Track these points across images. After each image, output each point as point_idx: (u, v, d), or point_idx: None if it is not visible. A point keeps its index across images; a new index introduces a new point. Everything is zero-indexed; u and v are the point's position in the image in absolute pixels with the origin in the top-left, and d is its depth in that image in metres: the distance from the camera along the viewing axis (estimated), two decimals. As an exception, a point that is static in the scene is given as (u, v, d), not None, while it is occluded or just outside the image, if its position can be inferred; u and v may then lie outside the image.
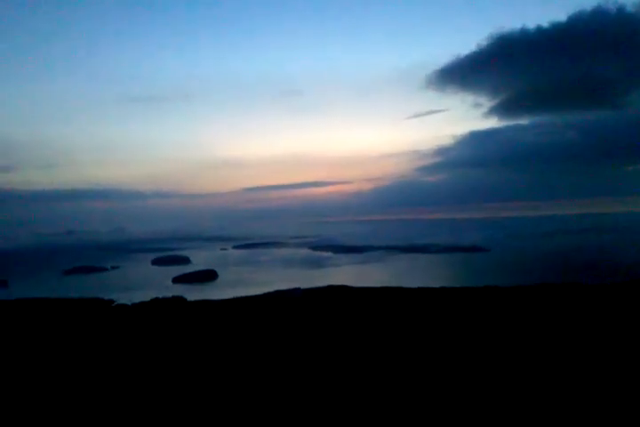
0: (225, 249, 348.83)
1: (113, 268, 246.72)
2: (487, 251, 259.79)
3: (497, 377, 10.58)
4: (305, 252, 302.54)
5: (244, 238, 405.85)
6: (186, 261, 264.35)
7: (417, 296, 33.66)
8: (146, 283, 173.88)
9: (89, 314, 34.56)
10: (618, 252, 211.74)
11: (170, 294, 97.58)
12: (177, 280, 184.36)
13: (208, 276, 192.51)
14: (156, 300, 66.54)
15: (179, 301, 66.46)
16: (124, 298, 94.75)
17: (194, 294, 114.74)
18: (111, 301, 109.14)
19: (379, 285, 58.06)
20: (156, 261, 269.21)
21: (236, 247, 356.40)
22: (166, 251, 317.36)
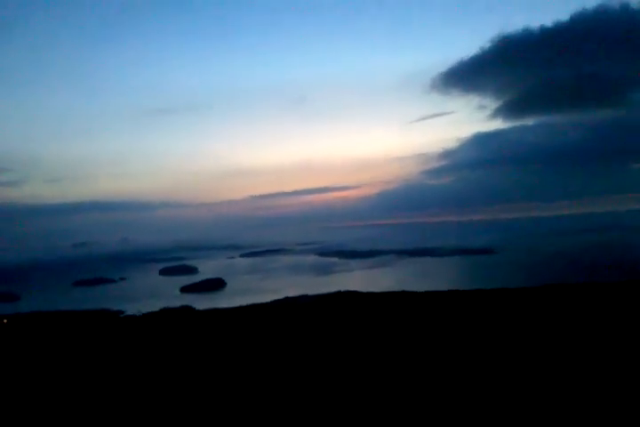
0: (232, 258, 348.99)
1: (121, 279, 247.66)
2: (496, 253, 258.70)
3: (506, 379, 10.42)
4: (312, 258, 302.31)
5: (251, 246, 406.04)
6: (194, 270, 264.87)
7: (426, 300, 33.41)
8: (154, 293, 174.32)
9: (98, 326, 34.54)
10: (627, 250, 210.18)
11: (178, 304, 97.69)
12: (185, 290, 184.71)
13: (216, 284, 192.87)
14: (164, 310, 66.64)
15: (187, 310, 66.54)
16: (133, 309, 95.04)
17: (202, 303, 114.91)
18: (120, 311, 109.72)
19: (388, 289, 57.85)
20: (164, 271, 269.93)
21: (243, 256, 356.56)
22: (174, 261, 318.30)
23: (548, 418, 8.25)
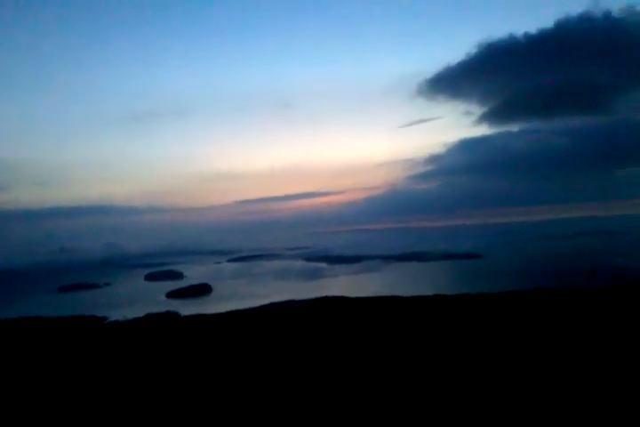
0: (219, 263, 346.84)
1: (106, 284, 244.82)
2: (481, 257, 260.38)
3: (492, 381, 10.38)
4: (299, 263, 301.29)
5: (238, 251, 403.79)
6: (179, 275, 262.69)
7: (413, 305, 33.42)
8: (139, 299, 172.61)
9: (82, 332, 34.08)
10: (609, 255, 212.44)
11: (163, 310, 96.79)
12: (171, 295, 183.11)
13: (202, 290, 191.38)
14: (149, 315, 65.97)
15: (172, 316, 66.00)
16: (118, 314, 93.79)
17: (188, 308, 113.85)
18: (104, 318, 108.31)
19: (375, 294, 57.70)
20: (150, 277, 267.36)
21: (230, 261, 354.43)
22: (160, 266, 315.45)
23: (534, 418, 8.21)
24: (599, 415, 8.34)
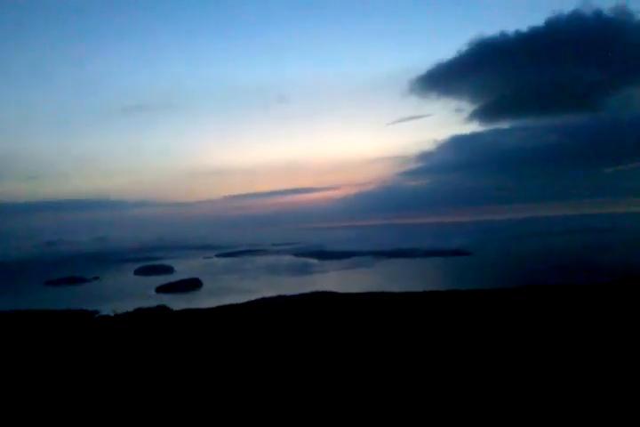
0: (209, 257, 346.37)
1: (95, 278, 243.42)
2: (471, 254, 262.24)
3: (485, 378, 10.45)
4: (289, 259, 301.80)
5: (228, 246, 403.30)
6: (169, 270, 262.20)
7: (403, 301, 33.55)
8: (128, 293, 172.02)
9: (71, 326, 33.89)
10: (599, 252, 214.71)
11: (154, 304, 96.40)
12: (161, 290, 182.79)
13: (192, 285, 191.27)
14: (139, 310, 65.66)
15: (162, 310, 65.75)
16: (107, 309, 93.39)
17: (178, 303, 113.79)
18: (94, 312, 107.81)
19: (365, 290, 57.83)
20: (139, 271, 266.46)
21: (220, 255, 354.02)
22: (149, 260, 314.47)
23: (528, 417, 8.28)
24: (597, 415, 8.44)
